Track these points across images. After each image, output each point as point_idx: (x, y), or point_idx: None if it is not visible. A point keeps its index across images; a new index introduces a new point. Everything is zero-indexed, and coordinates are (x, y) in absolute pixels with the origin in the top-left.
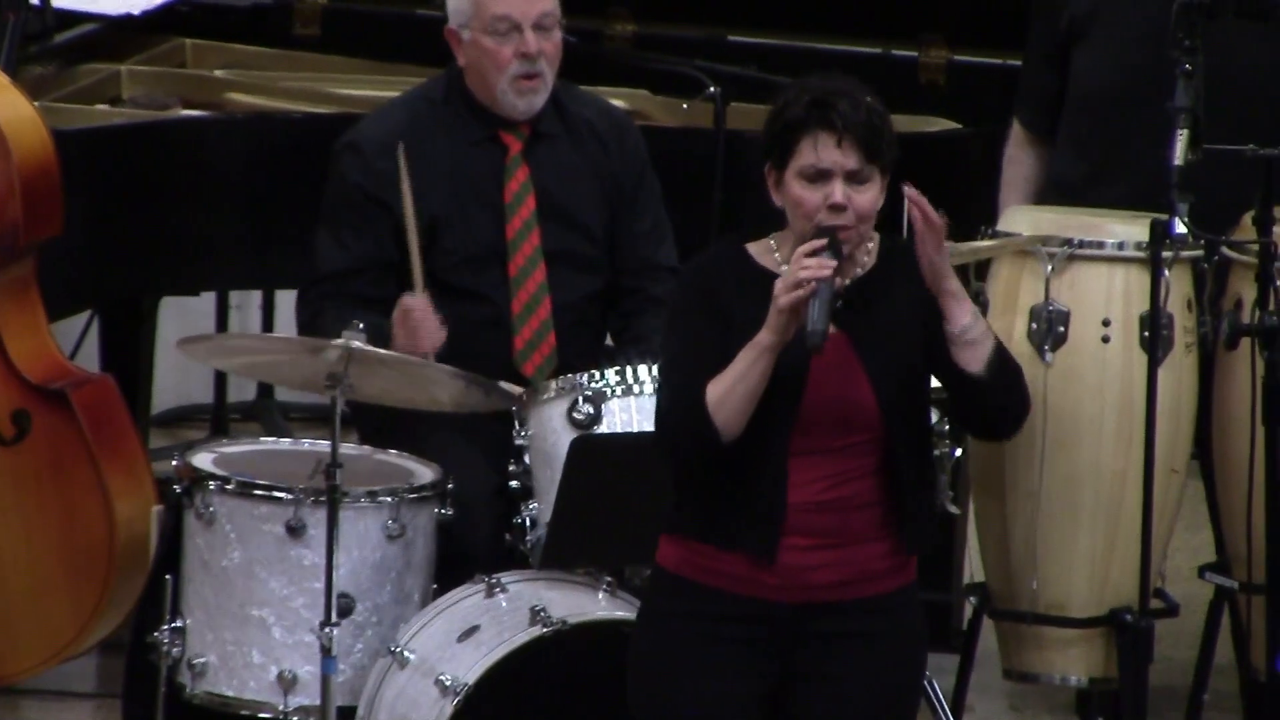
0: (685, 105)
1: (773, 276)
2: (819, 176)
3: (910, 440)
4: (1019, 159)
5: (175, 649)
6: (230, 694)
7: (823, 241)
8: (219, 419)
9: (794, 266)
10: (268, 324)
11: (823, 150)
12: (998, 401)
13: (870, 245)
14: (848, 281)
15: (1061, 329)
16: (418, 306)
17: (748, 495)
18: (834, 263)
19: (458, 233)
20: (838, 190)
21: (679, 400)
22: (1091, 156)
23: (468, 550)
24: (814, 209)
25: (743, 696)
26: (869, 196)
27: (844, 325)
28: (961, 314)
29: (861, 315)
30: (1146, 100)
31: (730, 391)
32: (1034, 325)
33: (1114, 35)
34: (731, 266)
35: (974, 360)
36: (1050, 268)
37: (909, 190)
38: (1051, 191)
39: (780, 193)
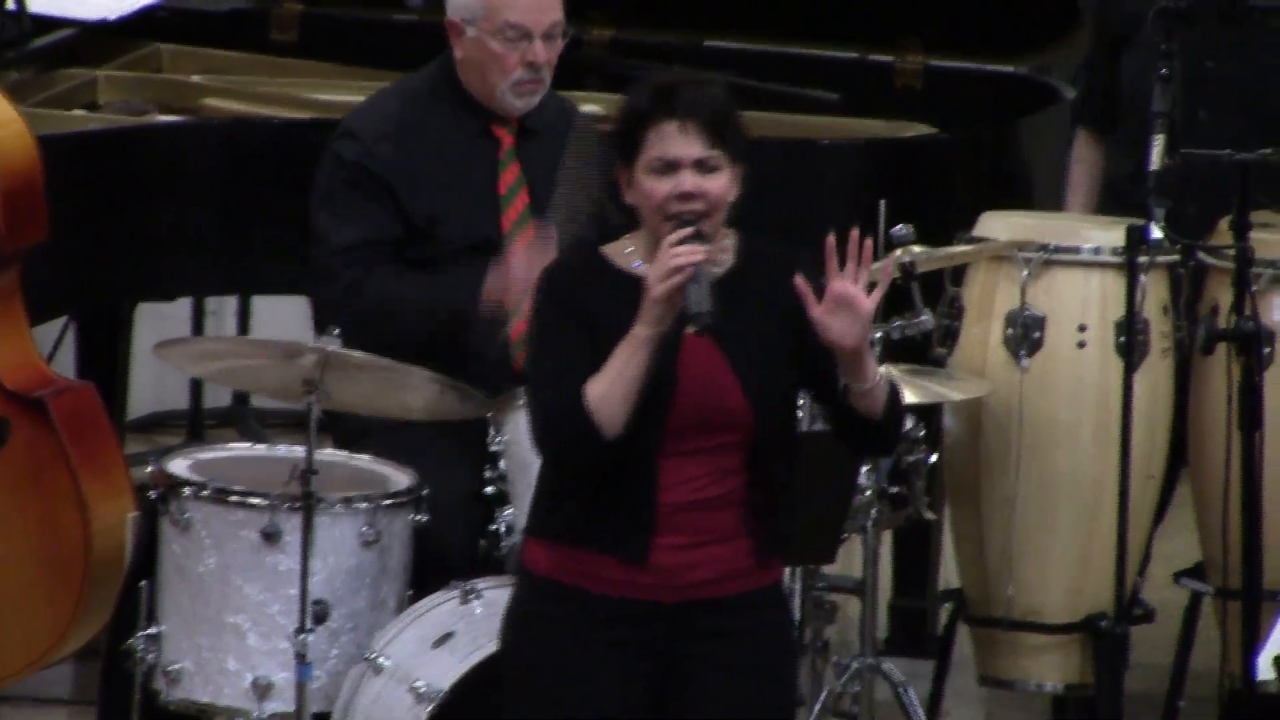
0: None
1: (632, 278)
2: (667, 168)
3: (778, 438)
4: (1082, 158)
5: (150, 655)
6: (205, 700)
7: (689, 230)
8: (195, 425)
9: (664, 256)
10: (244, 330)
11: (668, 139)
12: (888, 434)
13: (727, 243)
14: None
15: (1037, 334)
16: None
17: (619, 498)
18: (704, 247)
19: (455, 224)
20: (687, 179)
21: (558, 402)
22: (1135, 155)
23: (443, 556)
24: (664, 199)
25: (622, 703)
26: (719, 183)
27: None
28: (872, 370)
29: (725, 315)
30: None
31: (611, 388)
32: (1010, 331)
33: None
34: (589, 270)
35: (874, 408)
36: (1026, 273)
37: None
38: (1104, 191)
39: (632, 191)
